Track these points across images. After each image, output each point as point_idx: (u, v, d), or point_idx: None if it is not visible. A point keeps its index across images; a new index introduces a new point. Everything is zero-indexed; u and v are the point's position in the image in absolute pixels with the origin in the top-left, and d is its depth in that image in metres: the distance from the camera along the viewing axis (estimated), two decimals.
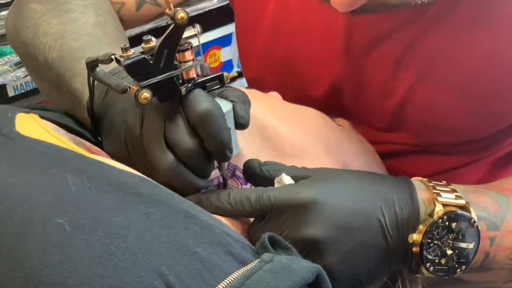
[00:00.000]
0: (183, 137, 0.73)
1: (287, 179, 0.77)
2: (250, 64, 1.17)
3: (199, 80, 0.74)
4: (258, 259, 0.66)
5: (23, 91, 1.23)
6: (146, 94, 0.70)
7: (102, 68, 0.75)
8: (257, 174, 0.79)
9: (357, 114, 1.07)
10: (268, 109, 0.89)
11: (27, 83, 1.24)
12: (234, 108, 0.76)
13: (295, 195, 0.74)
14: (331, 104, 1.07)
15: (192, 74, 0.74)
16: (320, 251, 0.73)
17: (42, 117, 0.78)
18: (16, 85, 1.22)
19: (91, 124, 0.81)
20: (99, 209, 0.62)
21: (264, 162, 0.79)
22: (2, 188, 0.62)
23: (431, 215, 0.77)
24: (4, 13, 1.39)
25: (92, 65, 0.75)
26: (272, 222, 0.74)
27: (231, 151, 0.74)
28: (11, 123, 0.72)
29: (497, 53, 0.93)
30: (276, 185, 0.77)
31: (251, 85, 1.20)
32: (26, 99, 1.25)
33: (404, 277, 0.93)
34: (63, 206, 0.61)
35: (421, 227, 0.76)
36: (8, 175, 0.64)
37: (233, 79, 1.55)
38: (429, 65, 0.97)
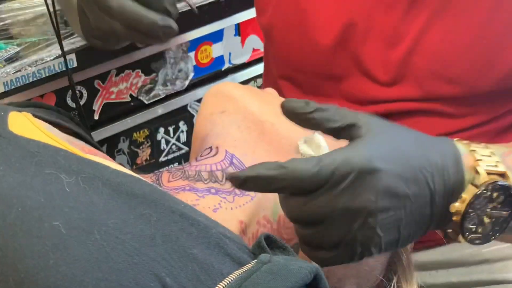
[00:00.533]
0: None
1: (320, 141, 0.72)
2: (264, 15, 1.16)
3: None
4: (256, 260, 0.65)
5: (13, 87, 1.22)
6: None
7: None
8: (299, 117, 0.71)
9: (363, 65, 1.07)
10: (265, 105, 0.88)
11: (17, 79, 1.23)
12: None
13: (351, 160, 0.68)
14: (338, 54, 1.07)
15: None
16: (373, 221, 0.68)
17: (36, 116, 0.77)
18: (7, 81, 1.21)
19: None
20: (94, 210, 0.61)
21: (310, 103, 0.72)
22: None
23: (473, 184, 0.74)
24: None
25: None
26: (328, 191, 0.67)
27: None
28: (3, 122, 0.71)
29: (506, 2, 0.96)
30: (301, 146, 0.72)
31: (264, 36, 1.21)
32: (17, 95, 1.24)
33: (399, 276, 0.93)
34: (58, 207, 0.60)
35: (464, 196, 0.73)
36: (1, 176, 0.63)
37: (226, 74, 1.54)
38: (440, 8, 0.99)
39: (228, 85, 0.90)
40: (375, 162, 0.68)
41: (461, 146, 0.76)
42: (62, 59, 1.25)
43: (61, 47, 1.06)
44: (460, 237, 0.75)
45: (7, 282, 0.57)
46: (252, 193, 0.79)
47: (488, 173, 0.74)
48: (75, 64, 1.28)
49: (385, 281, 0.91)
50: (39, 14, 1.40)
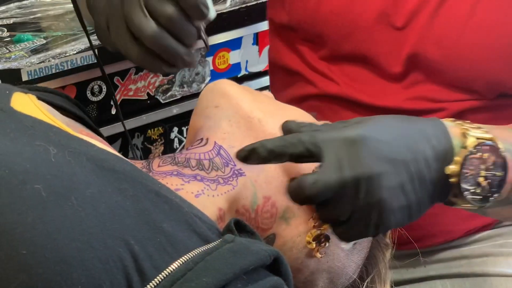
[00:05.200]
0: (163, 4, 0.81)
1: None
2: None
3: None
4: (220, 239, 0.71)
5: (36, 76, 1.28)
6: None
7: None
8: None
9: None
10: (257, 103, 0.93)
11: (40, 69, 1.29)
12: None
13: (345, 133, 0.79)
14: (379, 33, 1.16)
15: None
16: (374, 186, 0.77)
17: (40, 98, 0.83)
18: (30, 71, 1.28)
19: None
20: (75, 180, 0.67)
21: (302, 123, 0.84)
22: None
23: (463, 147, 0.82)
24: (25, 2, 1.46)
25: None
26: (326, 162, 0.77)
27: (206, 7, 0.82)
28: (7, 99, 0.78)
29: None
30: None
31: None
32: (39, 84, 1.30)
33: (374, 275, 0.97)
34: (42, 174, 0.65)
35: (457, 158, 0.81)
36: None
37: (241, 80, 1.60)
38: None
39: (224, 82, 0.95)
40: (364, 132, 0.78)
41: (447, 121, 0.85)
42: (84, 53, 1.32)
43: (90, 42, 1.10)
44: (459, 200, 0.83)
45: None
46: (234, 183, 0.85)
47: (477, 138, 0.83)
48: (96, 60, 1.34)
49: (358, 281, 0.96)
50: (68, 10, 1.48)
